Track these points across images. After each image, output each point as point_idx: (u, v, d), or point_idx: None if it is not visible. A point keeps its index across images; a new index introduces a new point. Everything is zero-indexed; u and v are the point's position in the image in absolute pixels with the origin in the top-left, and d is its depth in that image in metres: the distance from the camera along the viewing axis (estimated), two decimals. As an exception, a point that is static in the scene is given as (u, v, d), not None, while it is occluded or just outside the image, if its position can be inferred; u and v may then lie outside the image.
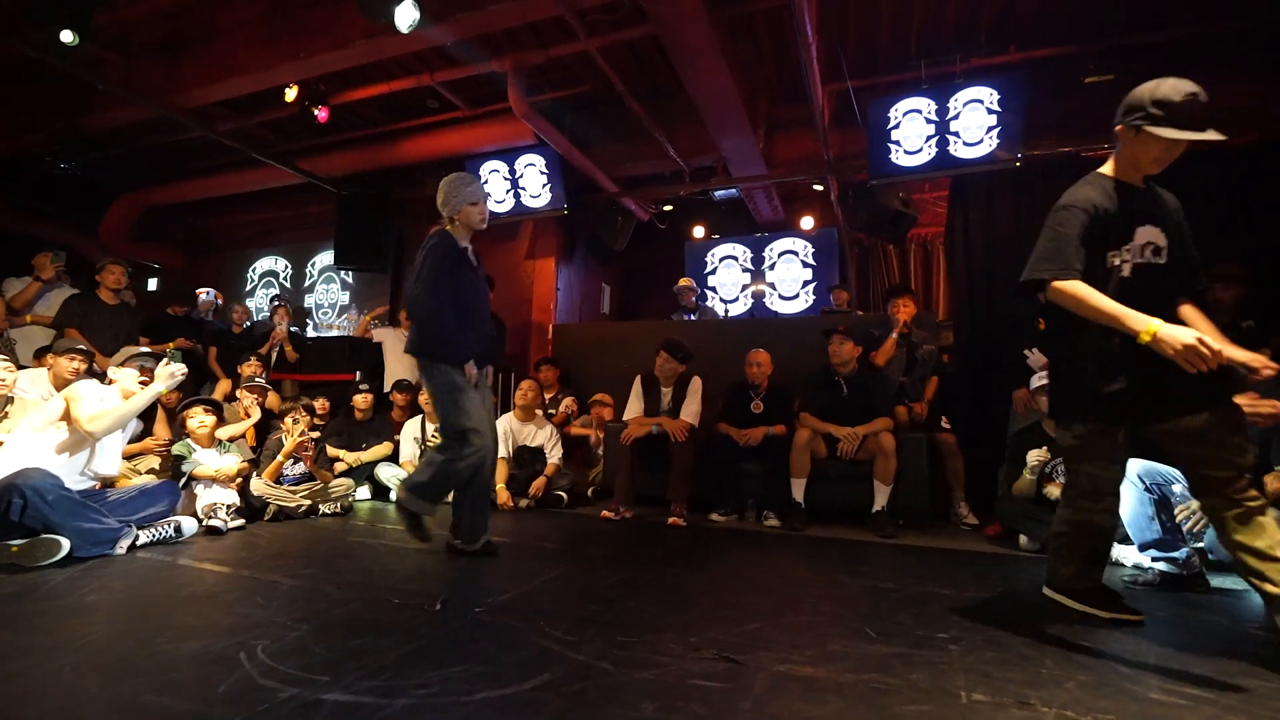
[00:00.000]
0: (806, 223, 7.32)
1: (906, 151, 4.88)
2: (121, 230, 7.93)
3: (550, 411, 5.20)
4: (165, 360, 3.07)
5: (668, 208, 7.29)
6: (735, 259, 7.75)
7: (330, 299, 8.24)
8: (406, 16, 3.85)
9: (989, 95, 4.63)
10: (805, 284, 7.38)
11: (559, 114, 5.68)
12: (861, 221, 5.56)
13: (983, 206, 4.89)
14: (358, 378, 5.51)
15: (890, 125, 4.90)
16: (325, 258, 8.12)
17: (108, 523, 2.72)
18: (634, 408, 4.33)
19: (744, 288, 7.69)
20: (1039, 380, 3.41)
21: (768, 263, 7.58)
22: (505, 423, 4.58)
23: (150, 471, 3.71)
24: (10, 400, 3.43)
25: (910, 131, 4.84)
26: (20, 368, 3.68)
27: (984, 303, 4.82)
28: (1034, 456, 3.17)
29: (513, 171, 6.24)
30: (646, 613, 2.10)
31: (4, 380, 3.37)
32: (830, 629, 1.96)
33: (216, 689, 1.44)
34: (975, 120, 4.66)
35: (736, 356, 4.46)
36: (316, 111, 5.48)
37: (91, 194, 7.47)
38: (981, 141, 4.65)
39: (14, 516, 2.49)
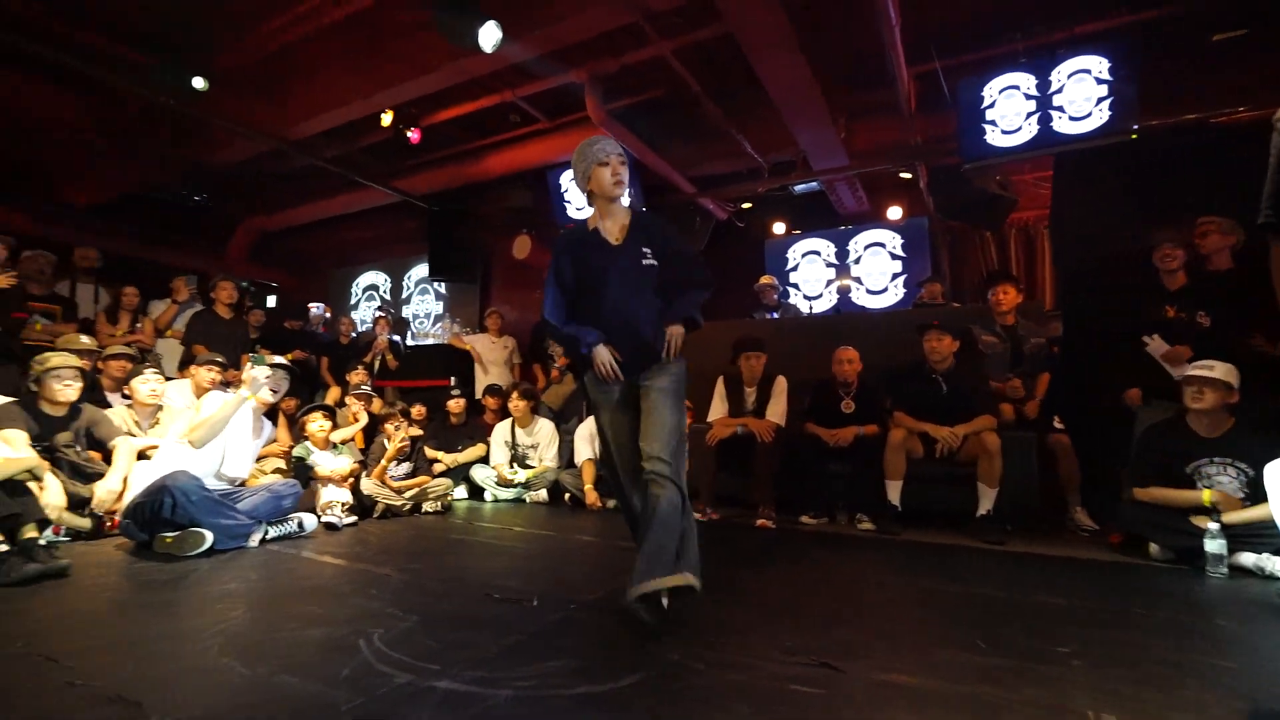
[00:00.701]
0: (894, 213, 7.01)
1: (1003, 131, 4.57)
2: (243, 253, 8.77)
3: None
4: (249, 366, 3.31)
5: (746, 205, 7.20)
6: (818, 254, 7.54)
7: (425, 309, 8.74)
8: (490, 37, 4.02)
9: (1097, 64, 4.25)
10: (894, 277, 7.07)
11: (634, 119, 5.75)
12: (955, 208, 5.26)
13: (1092, 185, 4.50)
14: (451, 383, 5.79)
15: (984, 104, 4.61)
16: (420, 270, 8.62)
17: (242, 519, 3.00)
18: (718, 409, 4.30)
19: (828, 283, 7.46)
20: (1193, 369, 2.96)
21: (853, 256, 7.32)
22: (591, 425, 4.68)
23: (275, 471, 4.07)
24: (161, 409, 3.87)
25: (1007, 109, 4.53)
26: (167, 380, 4.14)
27: (1097, 290, 4.42)
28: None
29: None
30: (737, 615, 2.08)
31: (156, 391, 3.81)
32: (933, 638, 1.86)
33: (340, 673, 1.55)
34: (1082, 92, 4.30)
35: (822, 354, 4.32)
36: (409, 134, 5.83)
37: (217, 222, 8.30)
38: (1089, 115, 4.29)
39: (165, 514, 2.80)
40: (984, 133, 4.63)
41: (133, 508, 2.89)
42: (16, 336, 4.11)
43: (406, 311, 8.84)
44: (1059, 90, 4.38)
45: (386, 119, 5.69)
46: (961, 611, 2.17)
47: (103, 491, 3.18)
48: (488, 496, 4.85)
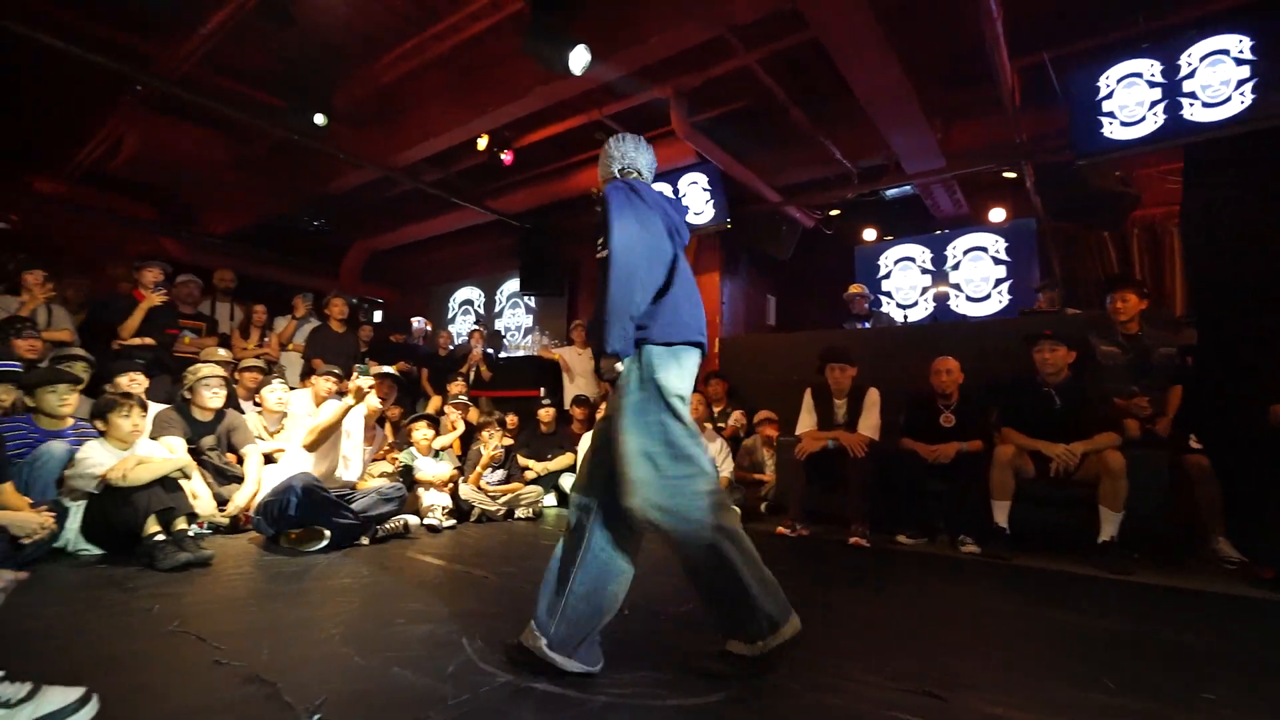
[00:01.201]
0: (996, 215, 6.60)
1: (1123, 123, 4.20)
2: (355, 273, 9.49)
3: (720, 425, 5.22)
4: (355, 376, 3.52)
5: (834, 212, 7.02)
6: (912, 260, 7.21)
7: (517, 322, 9.10)
8: (579, 60, 4.17)
9: (1237, 43, 3.83)
10: (998, 283, 6.64)
11: (718, 130, 5.76)
12: (1067, 208, 4.89)
13: (1231, 177, 4.04)
14: (541, 393, 5.99)
15: (1100, 95, 4.26)
16: (511, 285, 9.00)
17: (354, 519, 3.24)
18: (806, 422, 4.19)
19: (924, 290, 7.12)
20: None
21: (951, 262, 6.95)
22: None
23: (382, 475, 4.35)
24: (285, 415, 4.26)
25: (1127, 99, 4.17)
26: (290, 389, 4.54)
27: (1239, 294, 3.96)
28: None
29: (676, 191, 6.42)
30: (832, 635, 2.02)
31: (282, 400, 4.19)
32: (1050, 673, 1.73)
33: (446, 669, 1.64)
34: (1218, 75, 3.89)
35: (917, 366, 4.12)
36: (502, 156, 6.12)
37: (332, 245, 9.05)
38: (1227, 100, 3.87)
39: (290, 512, 3.08)
40: (1100, 125, 4.28)
41: (263, 506, 3.19)
42: (169, 350, 4.65)
43: (499, 325, 9.25)
44: (1189, 75, 3.98)
45: (482, 143, 6.01)
46: (1083, 645, 2.00)
47: (242, 499, 3.53)
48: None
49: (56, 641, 1.79)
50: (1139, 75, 4.14)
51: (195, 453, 3.56)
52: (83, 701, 1.32)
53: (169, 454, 3.20)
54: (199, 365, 3.77)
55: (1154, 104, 4.11)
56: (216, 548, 2.94)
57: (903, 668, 1.72)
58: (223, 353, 4.39)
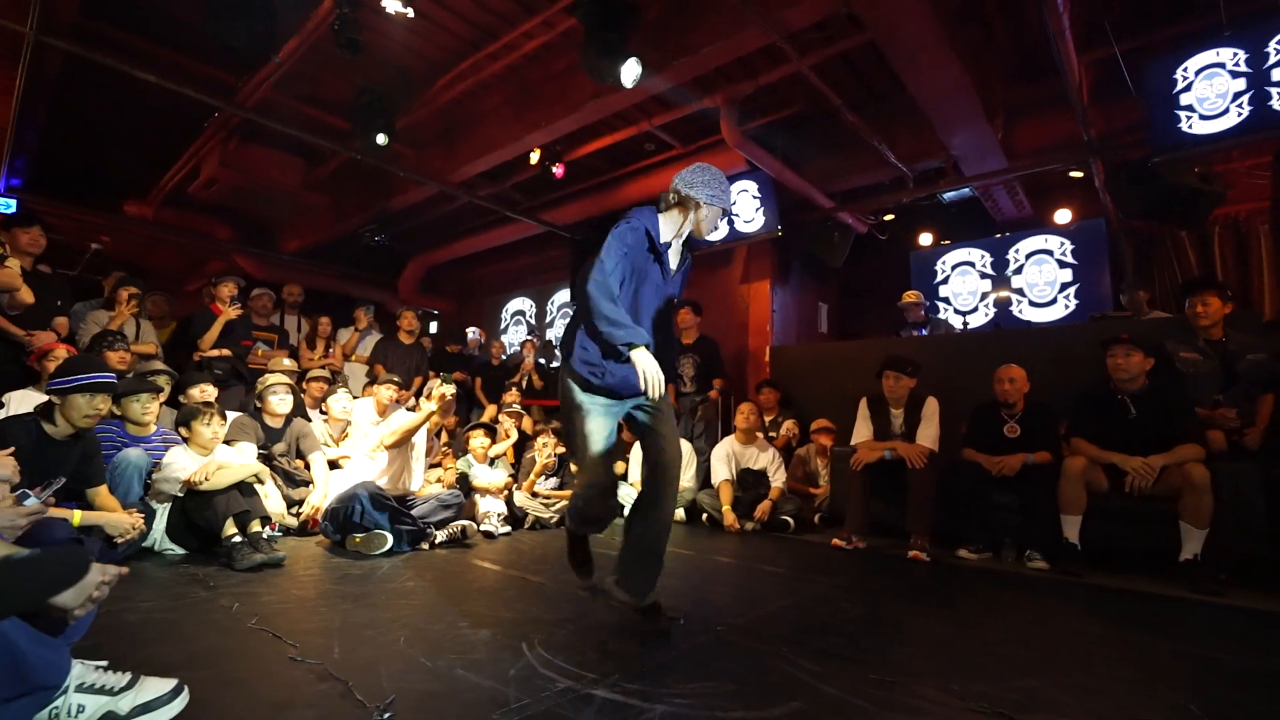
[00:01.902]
0: (1062, 216, 6.31)
1: (1203, 116, 3.97)
2: (413, 286, 9.83)
3: (772, 434, 5.16)
4: (438, 383, 3.67)
5: (889, 217, 6.86)
6: (971, 265, 6.97)
7: (566, 332, 9.23)
8: (630, 73, 4.23)
9: (1332, 28, 3.59)
10: (1064, 287, 6.34)
11: (770, 137, 5.72)
12: (1142, 207, 4.61)
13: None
14: (592, 402, 6.03)
15: (1178, 88, 4.04)
16: (562, 296, 9.14)
17: (416, 525, 3.35)
18: (862, 431, 4.09)
19: (984, 296, 6.86)
20: None
21: (1013, 266, 6.68)
22: (727, 445, 4.68)
23: (439, 482, 4.48)
24: (349, 423, 4.44)
25: (1208, 91, 3.94)
26: (354, 398, 4.73)
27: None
28: None
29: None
30: (897, 652, 1.97)
31: (347, 409, 4.37)
32: (1135, 699, 1.64)
33: (508, 672, 1.68)
34: (1311, 63, 3.64)
35: (979, 374, 3.97)
36: (554, 169, 6.24)
37: (392, 259, 9.41)
38: (1323, 89, 3.62)
39: (355, 518, 3.21)
40: (1178, 120, 4.05)
41: (330, 511, 3.33)
42: (244, 361, 4.93)
43: (550, 335, 9.40)
44: (1278, 64, 3.73)
45: (534, 157, 6.15)
46: (1170, 670, 1.88)
47: (314, 502, 3.69)
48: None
49: (150, 635, 1.91)
50: (1221, 65, 3.91)
51: (267, 458, 3.74)
52: (176, 692, 1.41)
53: (244, 459, 3.37)
54: (268, 374, 3.99)
55: (1238, 95, 3.86)
56: (287, 550, 3.08)
57: (974, 688, 1.66)
58: (288, 363, 4.61)
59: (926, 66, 4.13)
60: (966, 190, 6.14)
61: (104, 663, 1.45)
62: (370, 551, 3.16)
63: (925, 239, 7.30)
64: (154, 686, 1.40)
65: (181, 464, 3.04)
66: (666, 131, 6.12)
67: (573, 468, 5.07)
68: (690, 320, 5.62)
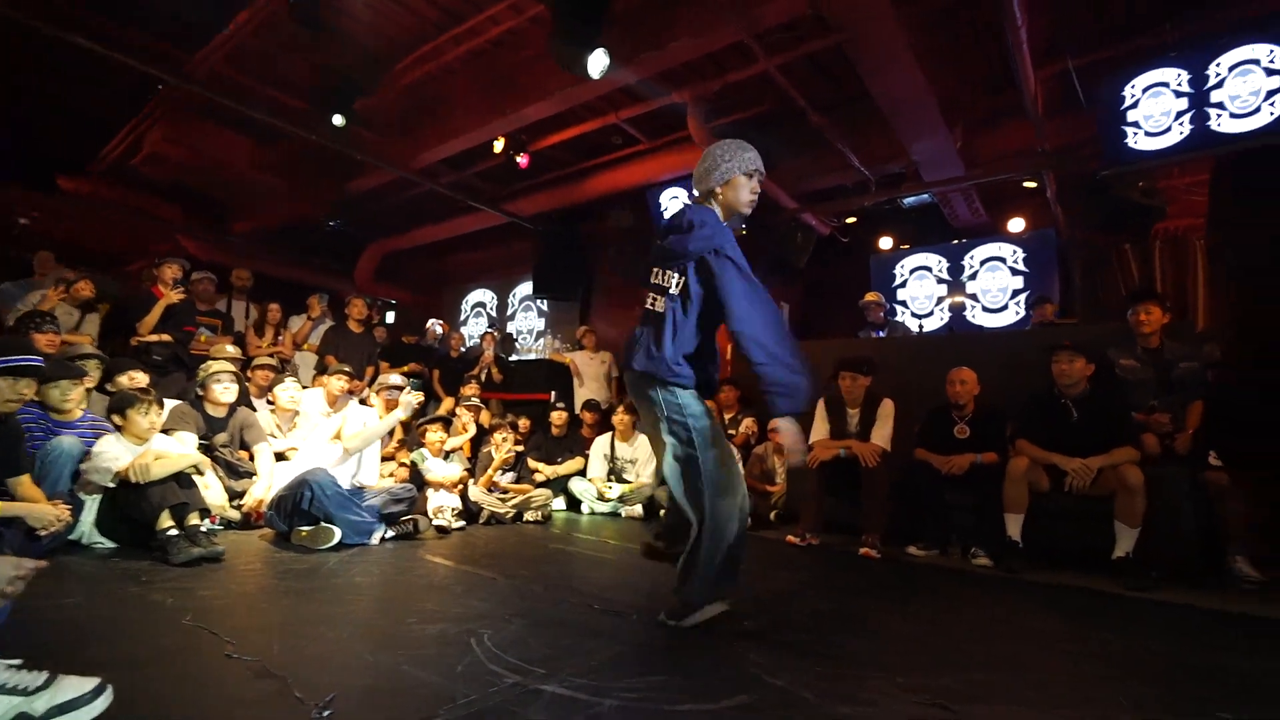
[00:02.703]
0: (1015, 225, 6.54)
1: (1148, 133, 4.15)
2: (369, 274, 9.58)
3: (731, 432, 5.19)
4: (407, 390, 3.61)
5: (851, 220, 6.98)
6: (929, 269, 7.16)
7: (529, 325, 9.13)
8: (598, 64, 4.19)
9: (1268, 53, 3.78)
10: (1015, 294, 6.57)
11: (736, 135, 5.70)
12: (1089, 219, 4.83)
13: (1260, 190, 3.97)
14: (553, 397, 5.99)
15: (1125, 105, 4.22)
16: (525, 288, 9.04)
17: (366, 517, 3.25)
18: (819, 430, 4.15)
19: (939, 300, 7.06)
20: None
21: (968, 272, 6.89)
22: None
23: (390, 476, 4.37)
24: (297, 413, 4.29)
25: (1153, 109, 4.12)
26: (303, 388, 4.58)
27: (1265, 308, 3.88)
28: None
29: (692, 196, 6.42)
30: (844, 645, 2.00)
31: (294, 398, 4.22)
32: (1072, 691, 1.69)
33: (455, 668, 1.63)
34: (1247, 86, 3.83)
35: (933, 377, 4.07)
36: (519, 159, 6.16)
37: (348, 246, 9.14)
38: (1257, 110, 3.81)
39: (304, 506, 3.10)
40: (1125, 136, 4.23)
41: (276, 500, 3.21)
42: (186, 347, 4.71)
43: (511, 327, 9.28)
44: (1218, 85, 3.92)
45: (498, 146, 6.05)
46: (1098, 663, 1.96)
47: (258, 494, 3.55)
48: (584, 509, 4.96)
49: (73, 632, 1.81)
50: (1165, 85, 4.09)
51: (208, 448, 3.59)
52: (97, 692, 1.33)
53: (183, 449, 3.22)
54: (210, 361, 3.82)
55: (1180, 114, 4.05)
56: (228, 544, 2.95)
57: (917, 680, 1.69)
58: (231, 349, 4.42)
59: (891, 73, 4.21)
60: (926, 196, 6.31)
61: (18, 661, 1.36)
62: (317, 546, 3.05)
63: (885, 243, 7.46)
64: (73, 686, 1.31)
65: (113, 454, 2.88)
66: (634, 125, 6.10)
67: (532, 463, 5.01)
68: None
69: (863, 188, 6.08)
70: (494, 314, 9.65)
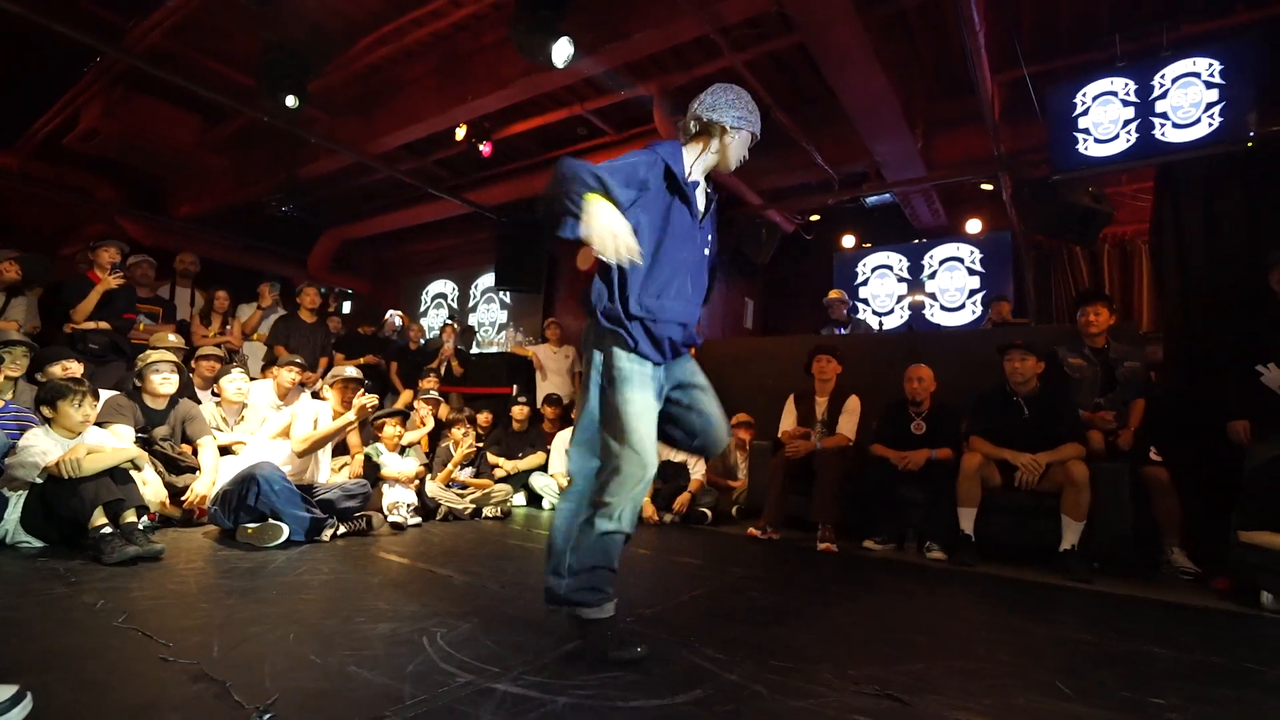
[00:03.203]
0: (973, 226, 6.72)
1: (1097, 140, 4.30)
2: (324, 262, 9.27)
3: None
4: (360, 392, 3.50)
5: (814, 218, 7.06)
6: (890, 268, 7.31)
7: (491, 318, 8.98)
8: (562, 53, 4.12)
9: (1207, 66, 3.95)
10: (972, 293, 6.76)
11: (703, 132, 5.73)
12: (1041, 222, 4.97)
13: (1200, 198, 4.14)
14: (514, 391, 5.91)
15: (1076, 112, 4.35)
16: (487, 280, 8.89)
17: (317, 513, 3.15)
18: (787, 421, 4.24)
19: (900, 299, 7.21)
20: None
21: (927, 271, 7.06)
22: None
23: (344, 469, 4.25)
24: (245, 406, 4.13)
25: (1102, 117, 4.26)
26: (251, 379, 4.41)
27: (1203, 312, 4.06)
28: None
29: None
30: (798, 639, 2.01)
31: (241, 390, 4.06)
32: (1011, 679, 1.74)
33: (405, 668, 1.59)
34: (1189, 98, 3.99)
35: (892, 374, 4.16)
36: (481, 147, 6.04)
37: (301, 232, 8.83)
38: (1197, 122, 3.97)
39: (250, 501, 2.98)
40: (1076, 142, 4.37)
41: (221, 495, 3.08)
42: (126, 335, 4.48)
43: (473, 320, 9.12)
44: (1162, 95, 4.08)
45: (461, 133, 5.92)
46: (1043, 652, 2.03)
47: (200, 489, 3.40)
48: (546, 504, 4.91)
49: (-11, 636, 1.70)
50: (1114, 94, 4.24)
51: (147, 442, 3.42)
52: (15, 700, 1.24)
53: (119, 442, 3.06)
54: (149, 350, 3.63)
55: (1127, 123, 4.20)
56: (168, 542, 2.83)
57: (868, 672, 1.72)
58: (173, 338, 4.21)
59: (854, 74, 4.26)
60: (888, 196, 6.42)
61: (-73, 669, 1.26)
62: (264, 543, 2.94)
63: (848, 241, 7.58)
64: None
65: (42, 447, 2.71)
66: (599, 116, 6.03)
67: (492, 458, 4.94)
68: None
69: (826, 186, 6.15)
70: (455, 306, 9.46)
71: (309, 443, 3.31)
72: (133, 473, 2.86)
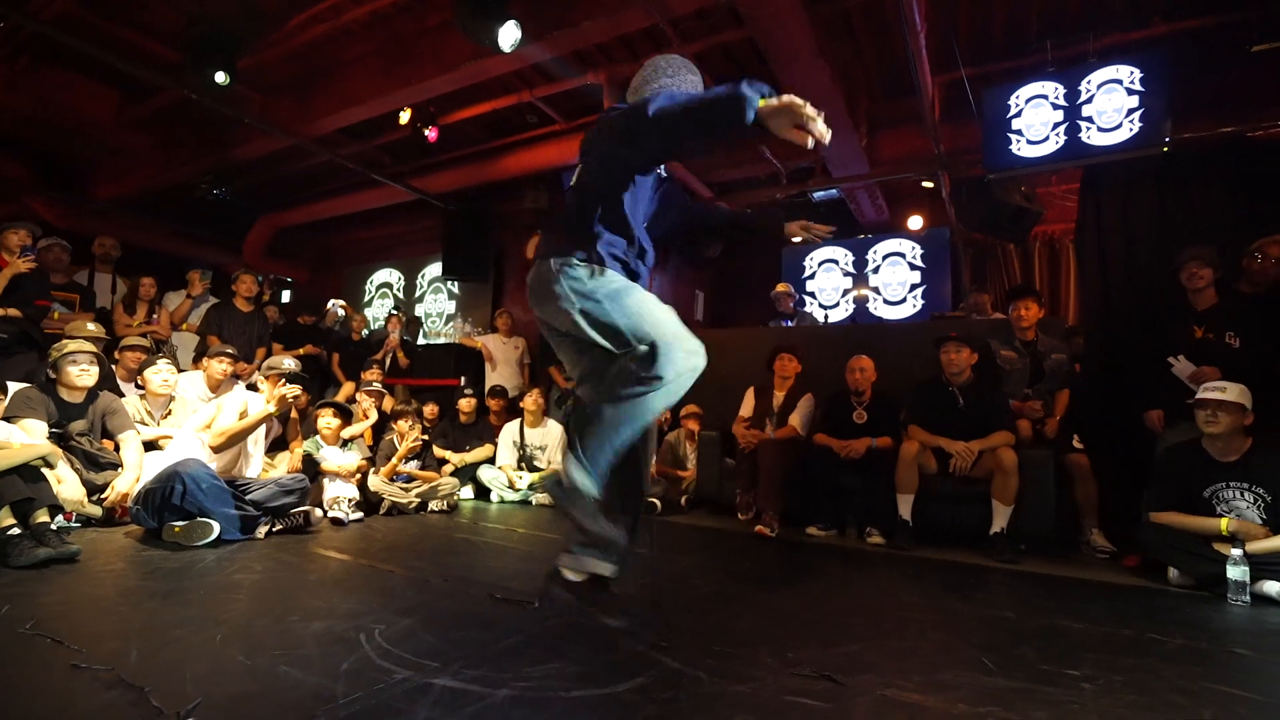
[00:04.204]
0: (914, 223, 6.94)
1: (1029, 141, 4.50)
2: (260, 249, 8.86)
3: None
4: (280, 382, 3.35)
5: (763, 212, 7.16)
6: (835, 263, 7.49)
7: (438, 308, 8.77)
8: (509, 37, 4.04)
9: (1129, 74, 4.18)
10: (913, 288, 6.99)
11: (653, 122, 5.73)
12: (977, 220, 5.18)
13: (1120, 199, 4.38)
14: (462, 383, 5.80)
15: (1010, 114, 4.54)
16: (434, 269, 8.66)
17: (249, 510, 3.02)
18: (746, 410, 4.38)
19: (845, 292, 7.40)
20: (1205, 391, 2.90)
21: (871, 266, 7.27)
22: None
23: (280, 464, 4.08)
24: (173, 399, 3.91)
25: (1034, 119, 4.46)
26: (180, 371, 4.18)
27: (1121, 307, 4.32)
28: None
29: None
30: (740, 625, 2.05)
31: (168, 382, 3.85)
32: (940, 656, 1.82)
33: (339, 666, 1.54)
34: (1112, 103, 4.22)
35: (838, 365, 4.26)
36: (427, 132, 5.87)
37: (235, 218, 8.39)
38: (1119, 126, 4.20)
39: (175, 500, 2.83)
40: (1010, 143, 4.56)
41: (143, 494, 2.91)
42: (38, 324, 4.17)
43: (419, 310, 8.89)
44: (1088, 100, 4.30)
45: (404, 117, 5.74)
46: (971, 630, 2.12)
47: (122, 487, 3.21)
48: (494, 497, 4.84)
49: None
50: (1045, 97, 4.44)
51: (62, 438, 3.21)
52: None
53: (28, 438, 2.86)
54: (65, 340, 3.40)
55: (1056, 125, 4.41)
56: (86, 543, 2.66)
57: (805, 654, 1.76)
58: (92, 327, 3.94)
59: (800, 70, 4.32)
60: (834, 191, 6.56)
61: None
62: (191, 542, 2.80)
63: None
64: None
65: (-61, 443, 2.51)
66: (549, 104, 5.94)
67: (438, 451, 4.83)
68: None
69: (774, 180, 6.25)
70: (401, 295, 9.20)
71: (225, 436, 3.14)
72: (45, 470, 2.67)
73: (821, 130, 1.59)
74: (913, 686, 1.56)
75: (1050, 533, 3.58)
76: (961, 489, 3.63)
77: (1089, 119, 4.31)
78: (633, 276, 1.93)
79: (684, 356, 1.77)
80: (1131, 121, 4.18)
